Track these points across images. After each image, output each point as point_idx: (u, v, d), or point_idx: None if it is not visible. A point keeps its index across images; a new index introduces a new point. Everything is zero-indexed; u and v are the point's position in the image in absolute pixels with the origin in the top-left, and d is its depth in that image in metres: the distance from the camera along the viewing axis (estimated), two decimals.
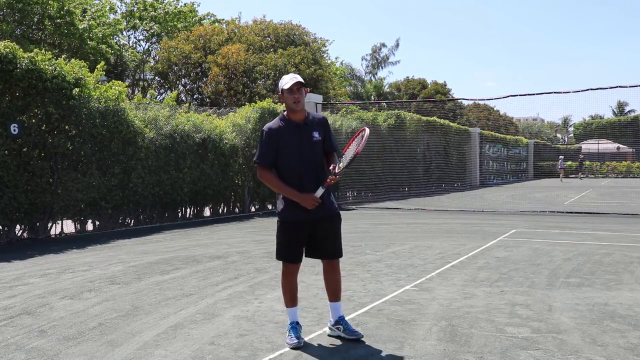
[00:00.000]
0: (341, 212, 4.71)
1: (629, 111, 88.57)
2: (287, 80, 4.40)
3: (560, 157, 44.44)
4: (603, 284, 6.51)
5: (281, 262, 4.54)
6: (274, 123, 4.53)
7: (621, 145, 58.63)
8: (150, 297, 6.02)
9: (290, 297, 4.53)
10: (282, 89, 4.43)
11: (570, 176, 42.82)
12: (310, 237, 4.49)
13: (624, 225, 12.48)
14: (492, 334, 4.66)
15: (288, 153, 4.43)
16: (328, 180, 4.35)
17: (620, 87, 16.59)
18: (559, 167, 42.36)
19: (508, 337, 4.58)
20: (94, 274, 7.32)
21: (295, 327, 4.47)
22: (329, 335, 4.62)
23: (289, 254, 4.47)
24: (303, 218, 4.41)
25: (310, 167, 4.44)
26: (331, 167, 4.43)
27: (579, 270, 7.28)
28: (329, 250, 4.53)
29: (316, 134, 4.48)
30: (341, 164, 4.54)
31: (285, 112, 4.53)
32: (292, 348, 4.33)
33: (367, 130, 4.62)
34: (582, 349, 4.27)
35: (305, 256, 4.56)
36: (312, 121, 4.53)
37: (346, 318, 4.73)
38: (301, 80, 4.44)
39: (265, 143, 4.46)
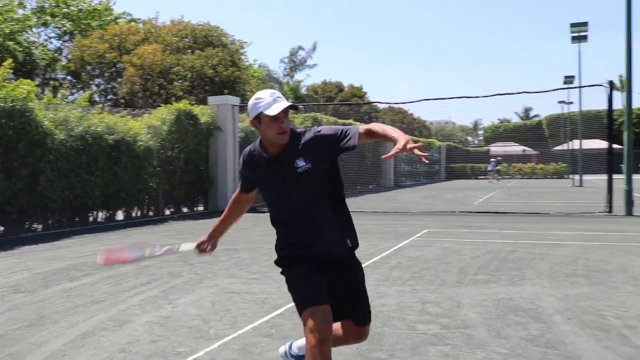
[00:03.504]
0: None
1: (534, 116, 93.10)
2: (269, 101, 3.09)
3: (492, 160, 45.77)
4: (508, 279, 6.82)
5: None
6: (247, 151, 3.35)
7: (526, 148, 61.64)
8: (57, 305, 5.82)
9: None
10: (260, 114, 3.09)
11: (487, 177, 44.45)
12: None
13: (528, 223, 13.10)
14: (403, 331, 4.79)
15: (264, 188, 3.34)
16: None
17: (525, 92, 17.50)
18: (490, 169, 43.84)
19: (419, 334, 4.73)
20: None
21: None
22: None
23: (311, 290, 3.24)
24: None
25: (300, 203, 3.20)
26: None
27: (486, 268, 7.59)
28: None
29: (301, 162, 3.13)
30: None
31: (260, 140, 3.26)
32: None
33: None
34: (488, 343, 4.47)
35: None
36: (294, 149, 3.15)
37: (260, 321, 4.86)
38: (288, 103, 3.13)
39: (240, 171, 3.47)
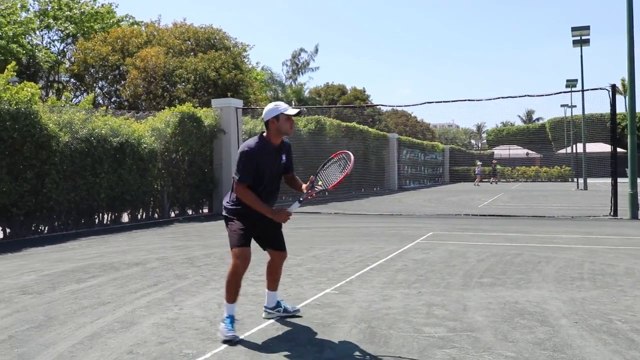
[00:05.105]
0: None
1: (537, 119, 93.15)
2: (287, 107, 4.80)
3: (479, 163, 46.34)
4: (513, 283, 6.82)
5: (234, 252, 4.74)
6: (254, 144, 4.74)
7: (530, 151, 61.68)
8: (65, 307, 5.84)
9: (236, 291, 4.80)
10: (280, 114, 4.73)
11: (484, 180, 44.94)
12: (260, 231, 4.97)
13: (532, 226, 13.08)
14: (409, 334, 4.79)
15: (262, 173, 4.77)
16: (307, 196, 4.89)
17: (528, 96, 17.67)
18: (477, 172, 44.29)
19: (425, 337, 4.73)
20: (4, 284, 7.01)
21: (233, 321, 4.76)
22: (265, 318, 5.28)
23: (243, 237, 4.76)
24: (251, 212, 4.80)
25: (272, 185, 4.92)
26: (306, 185, 4.96)
27: (491, 271, 7.59)
28: (281, 242, 5.16)
29: (284, 157, 4.95)
30: (320, 182, 4.96)
31: (265, 134, 4.84)
32: (228, 341, 4.61)
33: (352, 157, 5.06)
34: (494, 346, 4.47)
35: (264, 249, 5.16)
36: (283, 145, 4.95)
37: (267, 322, 4.99)
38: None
39: (246, 163, 4.69)
